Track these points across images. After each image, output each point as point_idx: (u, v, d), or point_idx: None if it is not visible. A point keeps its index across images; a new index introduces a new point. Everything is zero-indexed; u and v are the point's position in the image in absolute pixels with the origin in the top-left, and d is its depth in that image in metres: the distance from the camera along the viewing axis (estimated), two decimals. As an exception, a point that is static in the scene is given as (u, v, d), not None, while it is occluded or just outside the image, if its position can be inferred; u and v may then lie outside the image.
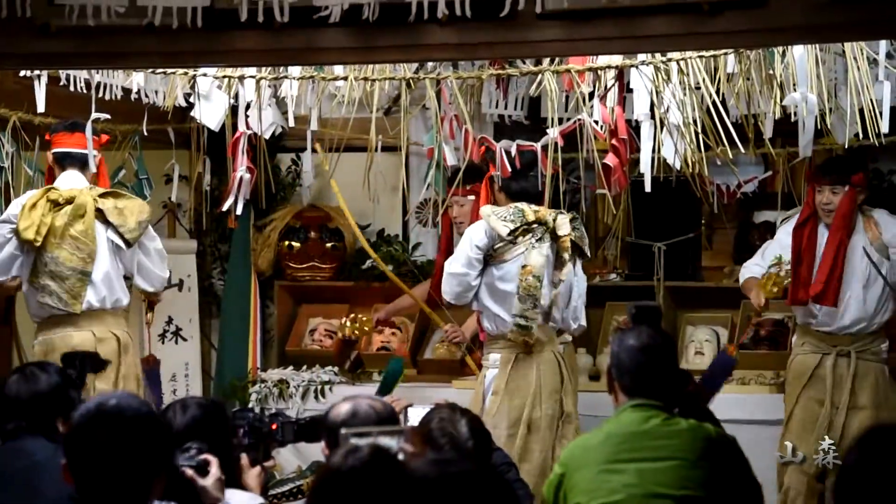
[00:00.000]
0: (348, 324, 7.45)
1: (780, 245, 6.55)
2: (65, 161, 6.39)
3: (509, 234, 6.16)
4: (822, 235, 6.37)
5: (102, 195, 6.33)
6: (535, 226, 6.20)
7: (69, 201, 6.23)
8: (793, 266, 6.38)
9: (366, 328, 7.49)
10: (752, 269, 6.62)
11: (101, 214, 6.28)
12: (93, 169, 6.38)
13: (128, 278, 6.51)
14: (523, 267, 6.15)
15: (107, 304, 6.28)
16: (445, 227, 7.11)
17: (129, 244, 6.32)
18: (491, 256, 6.25)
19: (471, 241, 6.25)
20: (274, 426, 4.39)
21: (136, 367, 6.44)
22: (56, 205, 6.22)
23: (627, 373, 4.17)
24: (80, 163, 6.38)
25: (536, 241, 6.19)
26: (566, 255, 6.22)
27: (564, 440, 6.15)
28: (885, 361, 6.42)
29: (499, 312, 6.26)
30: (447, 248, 6.90)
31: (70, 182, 6.35)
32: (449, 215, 6.96)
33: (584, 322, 6.56)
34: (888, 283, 6.33)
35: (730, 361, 6.27)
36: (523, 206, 6.23)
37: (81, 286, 6.18)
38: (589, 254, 6.49)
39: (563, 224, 6.22)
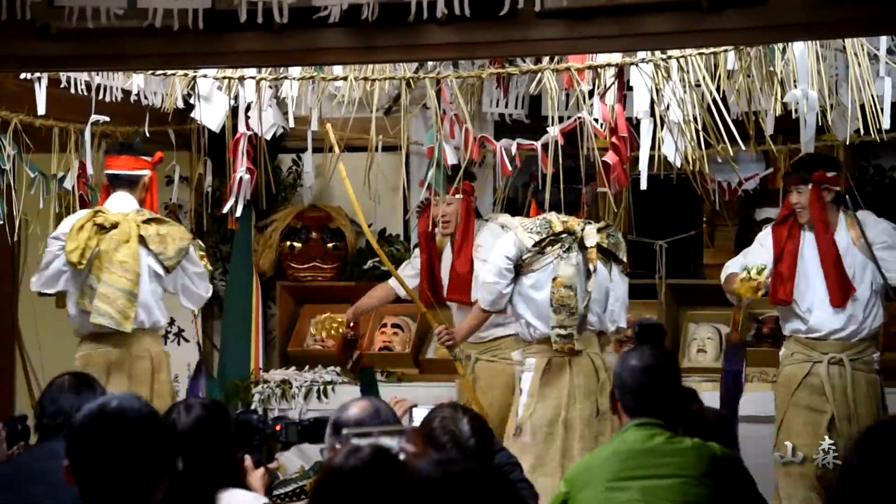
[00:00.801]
0: (325, 324, 7.56)
1: (759, 243, 6.45)
2: (113, 183, 6.53)
3: (535, 245, 6.21)
4: (804, 234, 6.29)
5: (146, 221, 6.44)
6: (563, 236, 6.22)
7: (114, 226, 6.34)
8: (774, 264, 6.31)
9: (340, 329, 7.54)
10: (734, 267, 6.50)
11: (143, 241, 6.39)
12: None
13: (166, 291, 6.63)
14: (554, 279, 6.17)
15: (146, 325, 6.42)
16: (423, 229, 7.07)
17: (168, 271, 6.46)
18: (521, 266, 6.29)
19: (501, 252, 6.31)
20: (278, 427, 4.40)
21: (170, 384, 6.59)
22: (102, 228, 6.33)
23: (630, 393, 4.15)
24: (128, 184, 6.49)
25: (564, 251, 6.20)
26: (591, 266, 6.23)
27: (602, 437, 6.17)
28: (878, 372, 6.28)
29: (531, 320, 6.29)
30: (427, 248, 6.96)
31: (118, 204, 6.46)
32: (427, 215, 6.92)
33: (623, 325, 6.53)
34: (883, 276, 6.25)
35: (738, 347, 6.24)
36: (552, 216, 6.26)
37: (131, 306, 6.29)
38: (625, 259, 6.43)
39: (591, 234, 6.23)
